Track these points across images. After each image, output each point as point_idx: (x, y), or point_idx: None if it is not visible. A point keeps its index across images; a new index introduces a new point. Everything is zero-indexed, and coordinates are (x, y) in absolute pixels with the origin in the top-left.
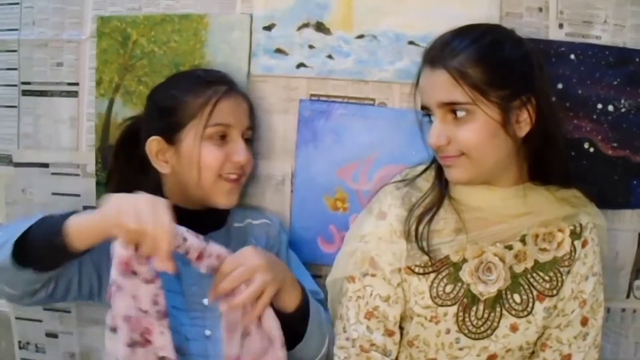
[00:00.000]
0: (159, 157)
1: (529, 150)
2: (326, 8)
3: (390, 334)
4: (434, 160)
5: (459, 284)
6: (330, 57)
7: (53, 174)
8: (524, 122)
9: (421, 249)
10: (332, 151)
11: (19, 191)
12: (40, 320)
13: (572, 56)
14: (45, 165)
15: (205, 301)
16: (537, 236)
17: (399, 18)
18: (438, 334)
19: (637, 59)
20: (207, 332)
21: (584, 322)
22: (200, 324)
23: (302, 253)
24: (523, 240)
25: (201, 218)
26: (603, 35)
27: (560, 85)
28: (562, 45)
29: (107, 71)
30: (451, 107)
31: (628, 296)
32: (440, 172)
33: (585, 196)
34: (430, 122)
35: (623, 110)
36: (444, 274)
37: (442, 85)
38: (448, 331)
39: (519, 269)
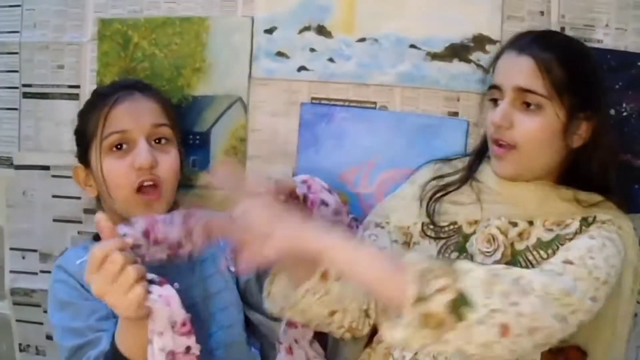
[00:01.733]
0: (86, 182)
1: (570, 162)
2: (328, 11)
3: None
4: (474, 153)
5: (464, 254)
6: (331, 60)
7: (54, 176)
8: (580, 136)
9: (427, 212)
10: (333, 155)
11: (20, 193)
12: (41, 323)
13: None
14: (46, 168)
15: (176, 285)
16: (546, 220)
17: (401, 22)
18: None
19: (639, 63)
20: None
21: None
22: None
23: None
24: (531, 222)
25: None
26: (605, 39)
27: None
28: None
29: (108, 74)
30: (525, 96)
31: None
32: (475, 161)
33: (613, 203)
34: (495, 105)
35: (624, 114)
36: (453, 241)
37: (525, 71)
38: None
39: (520, 246)
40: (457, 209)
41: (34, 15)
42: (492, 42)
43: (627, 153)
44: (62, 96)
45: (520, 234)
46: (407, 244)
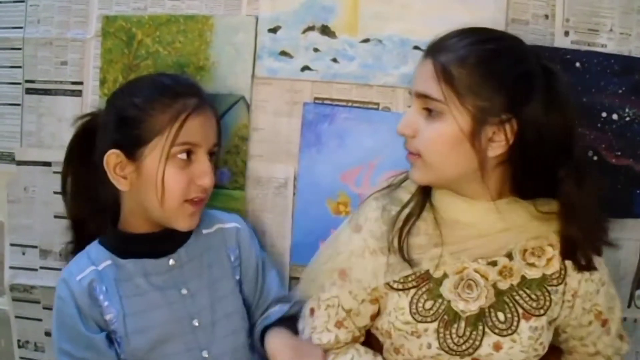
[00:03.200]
0: (117, 171)
1: (511, 169)
2: (332, 11)
3: (356, 338)
4: None
5: (440, 300)
6: (335, 60)
7: (55, 172)
8: (498, 144)
9: (405, 259)
10: (335, 155)
11: (21, 189)
12: (40, 319)
13: (578, 64)
14: (48, 164)
15: (195, 322)
16: (525, 250)
17: (404, 23)
18: (420, 347)
19: None
20: (205, 354)
21: (604, 323)
22: (195, 347)
23: (303, 256)
24: (509, 255)
25: (164, 238)
26: (609, 43)
27: None
28: (568, 52)
29: (111, 71)
30: (425, 102)
31: (629, 305)
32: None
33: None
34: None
35: (627, 119)
36: (424, 289)
37: (424, 76)
38: (429, 346)
39: (503, 285)
40: (419, 253)
41: (38, 11)
42: None
43: (629, 158)
44: (65, 92)
45: (501, 272)
46: (376, 300)
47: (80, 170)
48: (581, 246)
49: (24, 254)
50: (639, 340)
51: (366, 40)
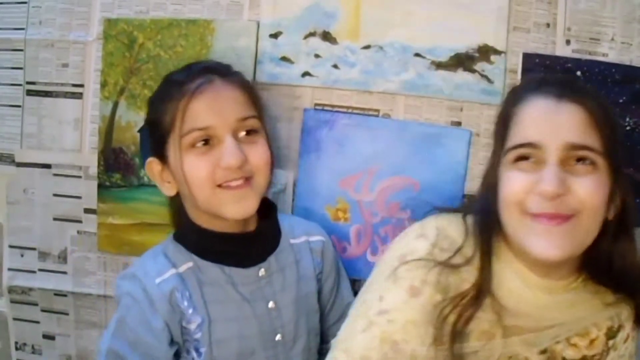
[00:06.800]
0: (163, 178)
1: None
2: (333, 18)
3: None
4: (482, 251)
5: None
6: (335, 66)
7: (55, 175)
8: (615, 205)
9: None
10: (335, 161)
11: (21, 191)
12: (37, 322)
13: (579, 73)
14: (48, 166)
15: (279, 337)
16: (570, 337)
17: (406, 30)
18: None
19: None
20: None
21: None
22: None
23: None
24: (558, 341)
25: (246, 240)
26: (610, 52)
27: None
28: (569, 61)
29: (112, 74)
30: (577, 153)
31: None
32: (486, 263)
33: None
34: (521, 166)
35: (628, 128)
36: None
37: (575, 124)
38: None
39: None
40: (469, 343)
41: (40, 13)
42: (497, 52)
43: (630, 167)
44: (65, 95)
45: (548, 358)
46: None
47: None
48: None
49: (22, 255)
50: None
51: (367, 47)
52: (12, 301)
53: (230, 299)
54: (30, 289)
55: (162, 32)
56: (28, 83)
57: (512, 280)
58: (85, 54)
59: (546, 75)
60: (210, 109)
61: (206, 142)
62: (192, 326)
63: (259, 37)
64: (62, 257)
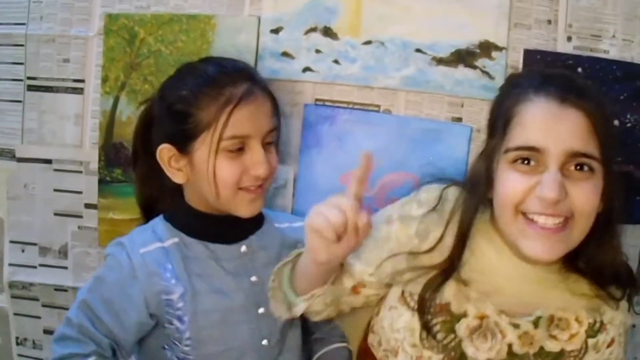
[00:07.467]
0: (172, 164)
1: None
2: (334, 13)
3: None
4: (458, 239)
5: (452, 336)
6: (336, 62)
7: (56, 170)
8: (603, 200)
9: (424, 324)
10: (336, 156)
11: (21, 186)
12: (38, 317)
13: (580, 69)
14: (48, 162)
15: (262, 310)
16: (552, 319)
17: (407, 26)
18: None
19: None
20: (264, 342)
21: None
22: (257, 334)
23: None
24: (536, 322)
25: (232, 222)
26: (611, 49)
27: None
28: (570, 58)
29: (113, 69)
30: (577, 159)
31: (628, 310)
32: (460, 248)
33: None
34: (519, 167)
35: (628, 125)
36: (439, 319)
37: (577, 131)
38: None
39: (519, 350)
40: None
41: (41, 8)
42: (498, 48)
43: (630, 164)
44: (66, 90)
45: (520, 337)
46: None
47: (146, 157)
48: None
49: (23, 251)
50: (637, 346)
51: (368, 42)
52: (13, 296)
53: (213, 272)
54: (31, 284)
55: (163, 28)
56: (29, 78)
57: (491, 254)
58: (86, 49)
59: (547, 70)
60: (251, 119)
61: (239, 149)
62: (174, 297)
63: (260, 32)
64: (63, 253)
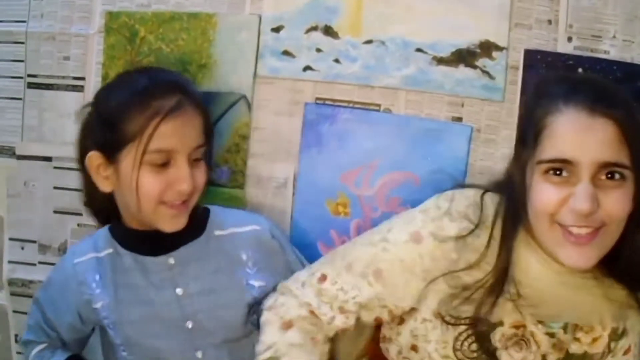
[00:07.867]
0: (99, 172)
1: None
2: (335, 12)
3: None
4: (505, 243)
5: (486, 345)
6: (337, 61)
7: (56, 167)
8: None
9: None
10: (336, 156)
11: (21, 184)
12: None
13: (580, 70)
14: (48, 159)
15: (189, 324)
16: (577, 324)
17: (408, 25)
18: None
19: None
20: (199, 355)
21: None
22: (189, 347)
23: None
24: (565, 327)
25: (165, 236)
26: (611, 50)
27: None
28: (570, 58)
29: (113, 67)
30: (608, 169)
31: None
32: (507, 255)
33: None
34: (552, 178)
35: None
36: (473, 330)
37: (607, 142)
38: None
39: (551, 358)
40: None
41: (42, 6)
42: (498, 48)
43: None
44: (66, 88)
45: (554, 345)
46: (401, 320)
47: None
48: None
49: (22, 248)
50: None
51: (369, 42)
52: (12, 294)
53: (138, 284)
54: (31, 282)
55: (163, 26)
56: (29, 76)
57: (535, 264)
58: (87, 47)
59: (575, 76)
60: (177, 133)
61: (164, 163)
62: (99, 305)
63: (261, 31)
64: (63, 250)
